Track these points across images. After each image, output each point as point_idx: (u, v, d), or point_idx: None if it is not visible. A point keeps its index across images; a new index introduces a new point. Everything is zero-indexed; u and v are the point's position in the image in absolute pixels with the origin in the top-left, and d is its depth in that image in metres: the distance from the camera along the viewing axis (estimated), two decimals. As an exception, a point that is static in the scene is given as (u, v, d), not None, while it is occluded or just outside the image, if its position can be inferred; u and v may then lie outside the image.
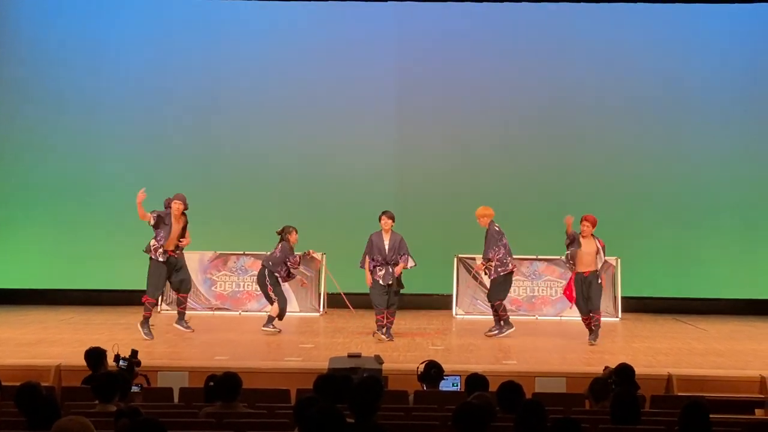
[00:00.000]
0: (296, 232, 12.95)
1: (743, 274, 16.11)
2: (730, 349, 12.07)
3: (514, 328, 12.61)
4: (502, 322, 12.68)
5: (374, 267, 12.40)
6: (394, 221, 12.48)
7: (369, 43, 16.46)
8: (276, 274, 12.85)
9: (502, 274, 12.59)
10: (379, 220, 12.51)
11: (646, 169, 16.36)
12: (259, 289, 13.32)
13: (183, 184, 16.21)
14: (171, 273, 12.57)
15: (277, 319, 12.75)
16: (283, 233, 12.95)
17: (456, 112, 16.42)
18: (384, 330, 12.29)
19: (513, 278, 13.19)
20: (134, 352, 8.63)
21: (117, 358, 8.52)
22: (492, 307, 12.89)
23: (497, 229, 12.68)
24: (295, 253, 13.04)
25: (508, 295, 13.13)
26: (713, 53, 16.34)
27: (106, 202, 16.27)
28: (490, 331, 12.69)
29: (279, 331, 12.63)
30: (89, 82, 16.43)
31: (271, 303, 12.85)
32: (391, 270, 12.34)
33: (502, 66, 16.42)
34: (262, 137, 16.42)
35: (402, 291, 12.68)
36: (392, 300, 12.45)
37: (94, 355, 8.51)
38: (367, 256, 12.49)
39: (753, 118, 16.27)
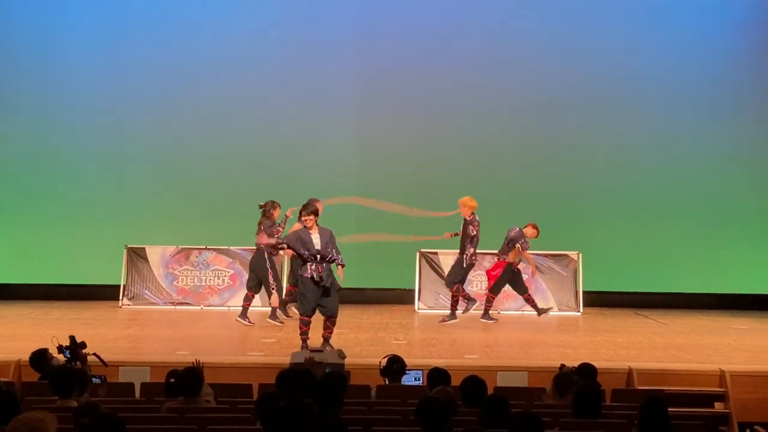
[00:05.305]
0: (279, 208, 12.86)
1: (705, 269, 16.21)
2: (691, 343, 12.17)
3: (477, 302, 13.09)
4: (467, 301, 13.04)
5: (305, 263, 10.73)
6: (317, 216, 10.85)
7: (334, 36, 16.34)
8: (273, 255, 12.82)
9: (470, 262, 13.05)
10: (299, 216, 11.25)
11: (608, 163, 16.42)
12: (255, 275, 12.98)
13: (145, 178, 16.22)
14: None
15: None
16: (266, 207, 12.86)
17: (422, 108, 16.31)
18: (323, 341, 10.78)
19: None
20: (72, 339, 8.40)
21: (61, 348, 8.37)
22: (451, 292, 13.30)
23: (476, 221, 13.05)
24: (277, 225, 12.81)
25: (473, 289, 13.73)
26: (678, 48, 16.36)
27: (67, 197, 16.11)
28: (443, 320, 12.90)
29: (282, 323, 12.73)
30: (48, 75, 16.17)
31: (270, 292, 12.85)
32: (325, 266, 10.66)
33: (470, 62, 16.33)
34: (224, 132, 16.26)
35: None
36: (329, 306, 10.80)
37: (38, 358, 8.31)
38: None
39: (718, 115, 16.33)
